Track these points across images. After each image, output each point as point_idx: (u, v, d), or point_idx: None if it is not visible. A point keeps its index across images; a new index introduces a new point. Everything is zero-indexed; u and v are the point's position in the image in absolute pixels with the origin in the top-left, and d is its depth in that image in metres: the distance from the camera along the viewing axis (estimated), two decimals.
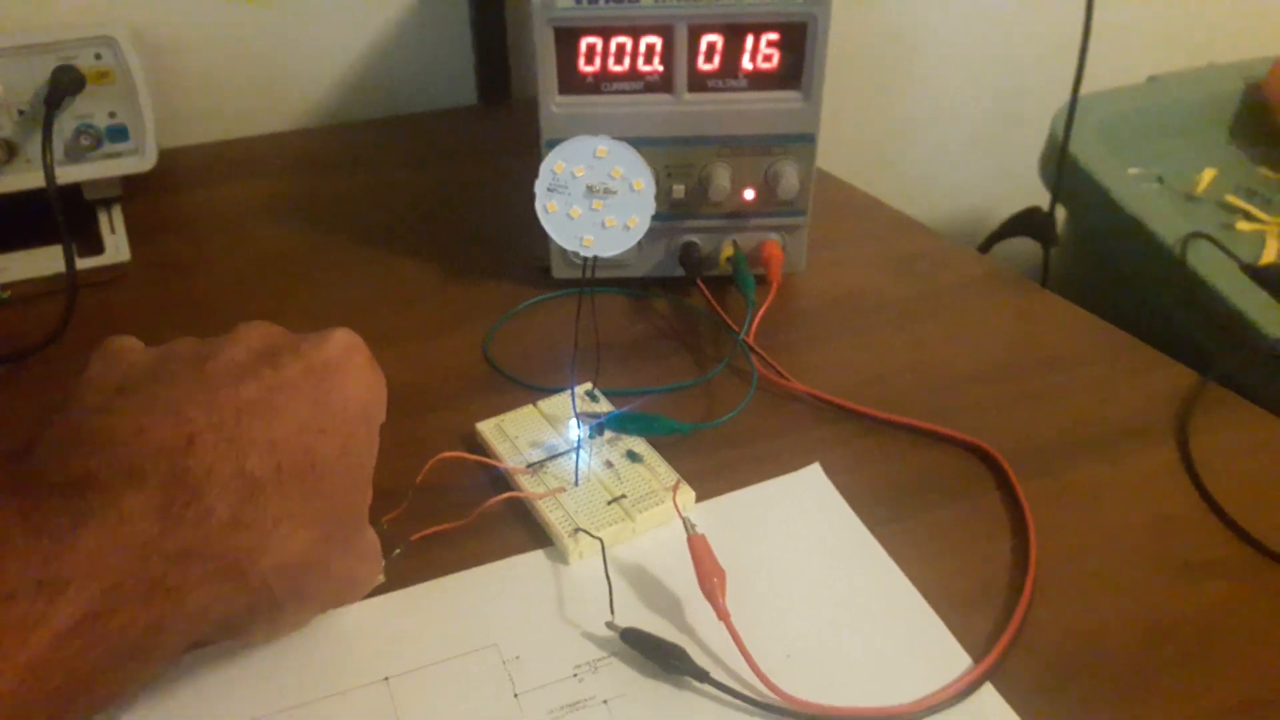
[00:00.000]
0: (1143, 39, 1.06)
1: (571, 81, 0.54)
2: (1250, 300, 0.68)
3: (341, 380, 0.35)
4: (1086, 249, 0.89)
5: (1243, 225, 0.83)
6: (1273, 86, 0.96)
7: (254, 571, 0.33)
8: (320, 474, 0.34)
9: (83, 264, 0.60)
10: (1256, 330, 0.67)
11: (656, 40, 0.53)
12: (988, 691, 0.38)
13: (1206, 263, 0.71)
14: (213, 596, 0.32)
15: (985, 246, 0.83)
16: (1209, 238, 0.73)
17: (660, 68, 0.54)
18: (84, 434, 0.32)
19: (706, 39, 0.53)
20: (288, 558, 0.33)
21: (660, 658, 0.38)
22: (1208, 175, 0.88)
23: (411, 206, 0.72)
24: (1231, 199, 0.86)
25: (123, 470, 0.31)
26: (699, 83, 0.54)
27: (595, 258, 0.40)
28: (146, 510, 0.30)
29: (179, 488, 0.31)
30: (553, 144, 0.54)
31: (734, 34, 0.53)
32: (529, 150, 0.56)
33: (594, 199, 0.38)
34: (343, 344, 0.36)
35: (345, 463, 0.35)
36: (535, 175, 0.39)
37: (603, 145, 0.38)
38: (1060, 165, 0.71)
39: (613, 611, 0.40)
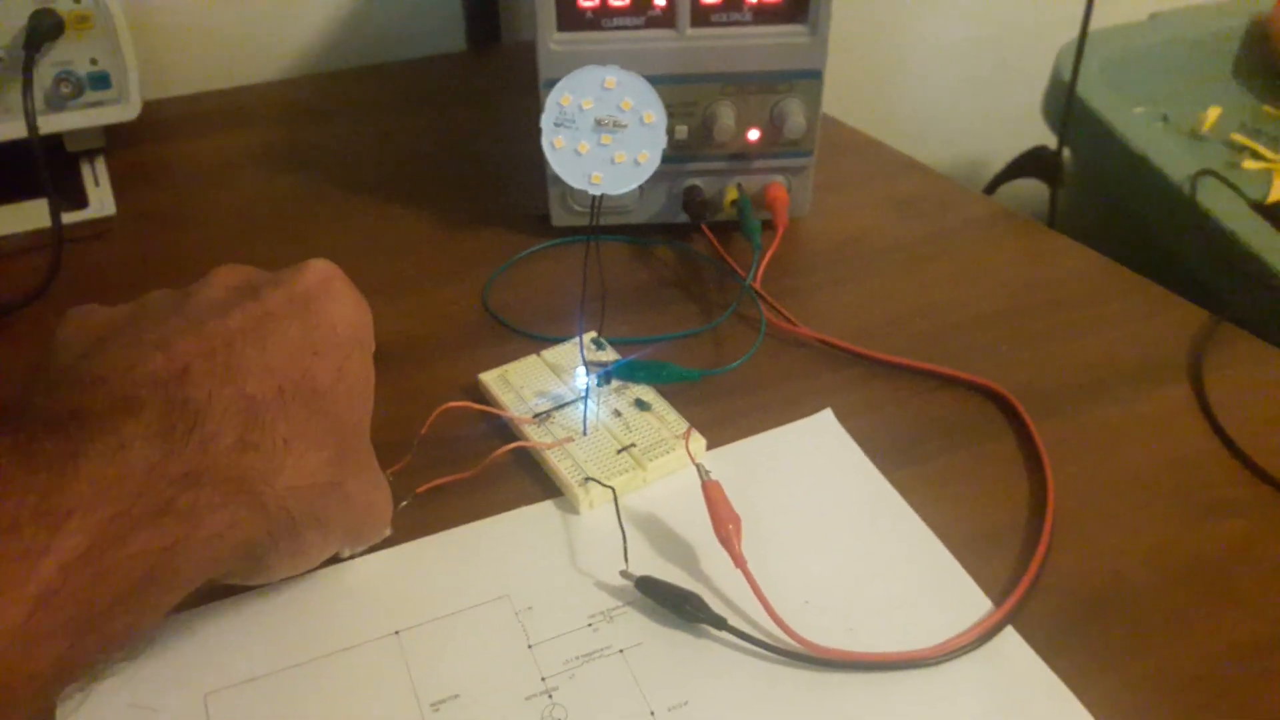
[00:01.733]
0: None
1: (571, 17, 0.52)
2: (1261, 238, 0.67)
3: (326, 304, 0.35)
4: (1092, 189, 0.87)
5: (1249, 164, 0.82)
6: (1276, 23, 0.95)
7: (269, 493, 0.32)
8: (321, 395, 0.33)
9: (66, 218, 0.58)
10: (1267, 268, 0.66)
11: None
12: (1009, 634, 0.37)
13: (1215, 201, 0.70)
14: (228, 521, 0.31)
15: (990, 188, 0.82)
16: (1218, 175, 0.71)
17: (662, 1, 0.52)
18: (69, 379, 0.31)
19: None
20: (302, 478, 0.33)
21: (676, 605, 0.37)
22: (1213, 113, 0.87)
23: (403, 155, 0.70)
24: (1237, 137, 0.85)
25: (117, 402, 0.30)
26: (702, 16, 0.52)
27: (601, 198, 0.39)
28: (147, 436, 0.30)
29: (179, 414, 0.30)
30: (551, 84, 0.52)
31: None
32: (521, 95, 0.54)
33: (603, 133, 0.37)
34: (321, 272, 0.36)
35: (344, 383, 0.35)
36: (530, 121, 0.38)
37: (611, 75, 0.36)
38: (1068, 104, 0.69)
39: (626, 560, 0.39)
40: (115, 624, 0.29)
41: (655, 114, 0.36)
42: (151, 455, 0.29)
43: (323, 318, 0.34)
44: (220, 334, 0.32)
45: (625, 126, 0.36)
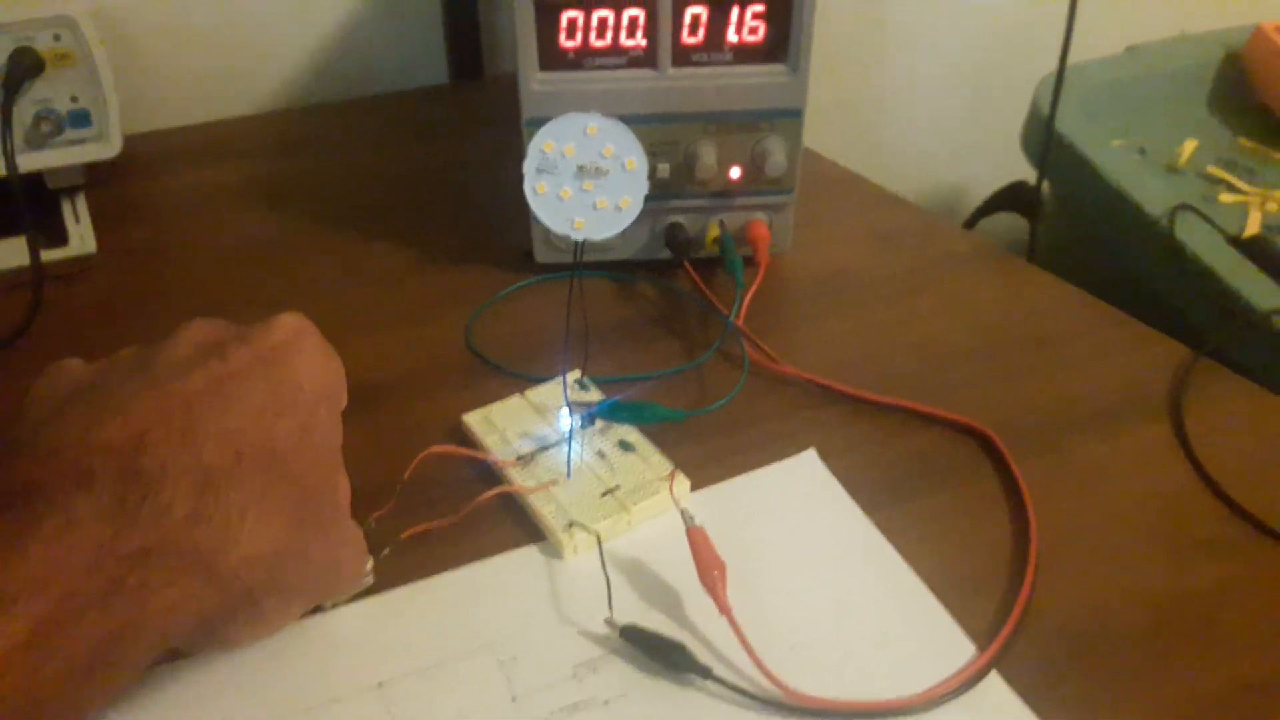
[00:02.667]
0: (1119, 8, 1.05)
1: (552, 57, 0.52)
2: (1238, 272, 0.68)
3: (294, 362, 0.34)
4: (1071, 222, 0.88)
5: (1225, 197, 0.83)
6: (1252, 56, 0.96)
7: (223, 565, 0.31)
8: (283, 458, 0.33)
9: (47, 256, 0.58)
10: (1245, 303, 0.66)
11: (639, 13, 0.51)
12: (993, 679, 0.37)
13: (1193, 235, 0.71)
14: (180, 596, 0.31)
15: (970, 222, 0.83)
16: (1195, 209, 0.72)
17: (644, 42, 0.52)
18: (27, 449, 0.31)
19: (691, 11, 0.51)
20: (259, 547, 0.32)
21: (661, 655, 0.37)
22: (1189, 146, 0.88)
23: (385, 189, 0.70)
24: (1213, 170, 0.86)
25: (70, 475, 0.29)
26: (683, 56, 0.53)
27: (584, 241, 0.39)
28: (98, 512, 0.29)
29: (132, 485, 0.30)
30: (534, 123, 0.53)
31: (719, 5, 0.51)
32: (504, 129, 0.54)
33: (585, 179, 0.37)
34: (290, 327, 0.35)
35: (309, 444, 0.34)
36: (512, 155, 0.38)
37: (593, 122, 0.36)
38: (1047, 138, 0.70)
39: (611, 608, 0.38)
40: (63, 710, 0.29)
41: (637, 160, 0.37)
42: (102, 532, 0.29)
43: (289, 376, 0.34)
44: (180, 398, 0.32)
45: (607, 173, 0.37)
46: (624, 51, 0.52)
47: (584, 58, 0.52)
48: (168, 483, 0.30)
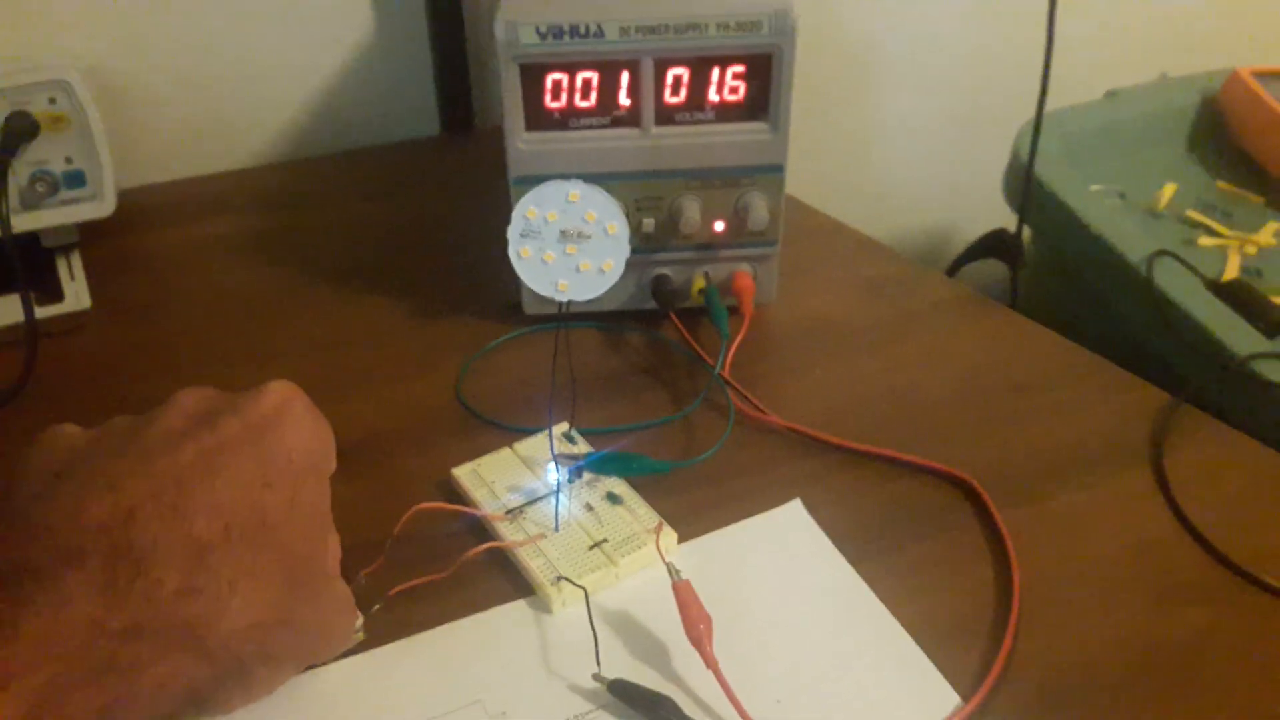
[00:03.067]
0: (1100, 54, 1.07)
1: (538, 118, 0.53)
2: (1216, 318, 0.69)
3: (282, 432, 0.35)
4: (1053, 268, 0.89)
5: (1204, 241, 0.84)
6: (1228, 100, 0.98)
7: (213, 638, 0.32)
8: (272, 528, 0.33)
9: (42, 312, 0.59)
10: (1223, 347, 0.67)
11: (623, 75, 0.53)
12: None
13: (1172, 281, 0.72)
14: (170, 671, 0.31)
15: (953, 269, 0.84)
16: (1174, 255, 0.73)
17: (627, 102, 0.53)
18: (19, 524, 0.31)
19: (673, 72, 0.53)
20: (248, 618, 0.33)
21: (649, 710, 0.37)
22: (1168, 190, 0.89)
23: (378, 241, 0.71)
24: (1192, 214, 0.87)
25: (61, 553, 0.30)
26: (666, 116, 0.54)
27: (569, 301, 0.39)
28: (89, 589, 0.30)
29: (122, 562, 0.30)
30: (521, 181, 0.54)
31: (700, 67, 0.53)
32: (495, 180, 0.55)
33: (568, 243, 0.38)
34: (279, 396, 0.36)
35: (297, 514, 0.35)
36: (501, 207, 0.39)
37: (575, 189, 0.37)
38: (1026, 186, 0.71)
39: (599, 662, 0.39)
40: None
41: (618, 225, 0.38)
42: (94, 610, 0.29)
43: (278, 447, 0.35)
44: (170, 473, 0.32)
45: (589, 237, 0.38)
46: (608, 112, 0.53)
47: (569, 118, 0.53)
48: (158, 558, 0.31)
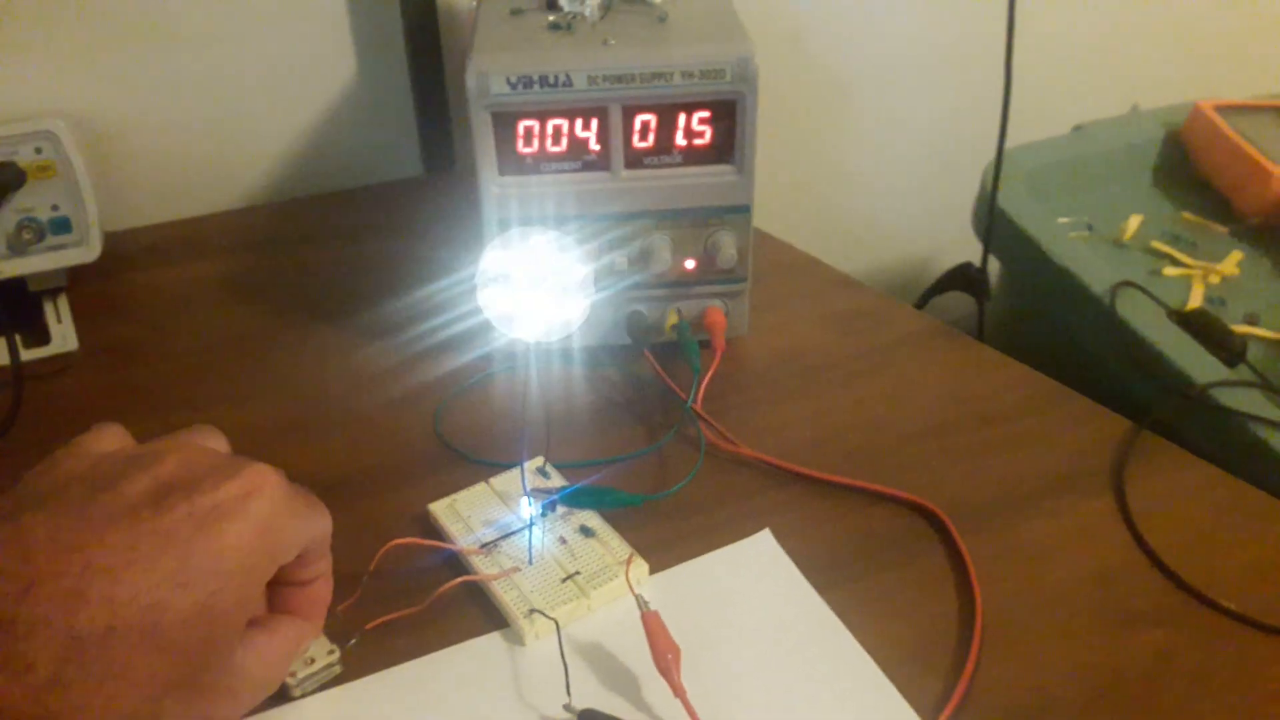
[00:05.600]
0: (1067, 88, 1.10)
1: (510, 162, 0.55)
2: (1178, 347, 0.71)
3: (223, 528, 0.34)
4: (1020, 300, 0.91)
5: (1169, 271, 0.86)
6: (1191, 133, 1.00)
7: None
8: (164, 631, 0.32)
9: (29, 354, 0.60)
10: (1185, 376, 0.69)
11: (592, 121, 0.54)
12: None
13: (1135, 311, 0.74)
14: None
15: (921, 302, 0.85)
16: (1137, 286, 0.75)
17: (597, 147, 0.55)
18: None
19: (640, 118, 0.54)
20: (112, 718, 0.31)
21: None
22: (1134, 222, 0.91)
23: (360, 281, 0.72)
24: (1157, 244, 0.89)
25: None
26: (635, 160, 0.56)
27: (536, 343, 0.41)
28: None
29: (5, 636, 0.30)
30: (494, 223, 0.55)
31: (667, 113, 0.55)
32: (474, 220, 0.57)
33: (534, 288, 0.39)
34: (246, 485, 0.35)
35: (202, 619, 0.33)
36: (479, 244, 0.40)
37: (541, 236, 0.39)
38: (990, 220, 0.73)
39: (569, 693, 0.40)
40: None
41: (583, 270, 0.39)
42: None
43: (212, 544, 0.33)
44: (82, 556, 0.31)
45: (555, 282, 0.39)
46: (579, 156, 0.55)
47: (540, 162, 0.55)
48: (36, 641, 0.30)
